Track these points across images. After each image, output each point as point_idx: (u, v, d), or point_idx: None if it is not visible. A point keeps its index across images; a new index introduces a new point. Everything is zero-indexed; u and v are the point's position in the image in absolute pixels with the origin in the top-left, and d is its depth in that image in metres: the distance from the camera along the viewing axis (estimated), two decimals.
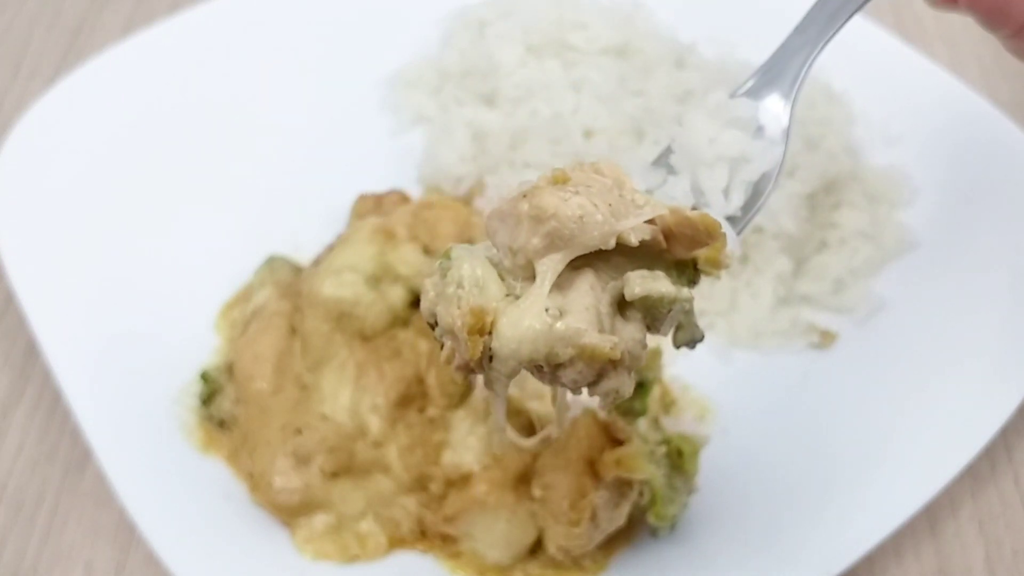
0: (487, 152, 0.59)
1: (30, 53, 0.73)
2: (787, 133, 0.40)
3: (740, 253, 0.53)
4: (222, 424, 0.49)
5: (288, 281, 0.53)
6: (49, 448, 0.52)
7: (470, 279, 0.31)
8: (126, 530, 0.48)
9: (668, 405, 0.50)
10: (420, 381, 0.48)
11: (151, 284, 0.54)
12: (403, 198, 0.58)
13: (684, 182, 0.37)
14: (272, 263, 0.54)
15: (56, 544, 0.48)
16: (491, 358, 0.31)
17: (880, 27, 0.67)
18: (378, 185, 0.58)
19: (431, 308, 0.32)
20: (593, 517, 0.41)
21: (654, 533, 0.44)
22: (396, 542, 0.46)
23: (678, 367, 0.51)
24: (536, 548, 0.45)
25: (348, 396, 0.47)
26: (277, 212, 0.59)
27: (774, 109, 0.39)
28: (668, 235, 0.32)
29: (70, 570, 0.47)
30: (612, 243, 0.30)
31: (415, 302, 0.51)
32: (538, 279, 0.30)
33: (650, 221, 0.31)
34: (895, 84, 0.64)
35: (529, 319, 0.30)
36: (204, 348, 0.52)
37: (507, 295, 0.31)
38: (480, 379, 0.33)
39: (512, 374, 0.31)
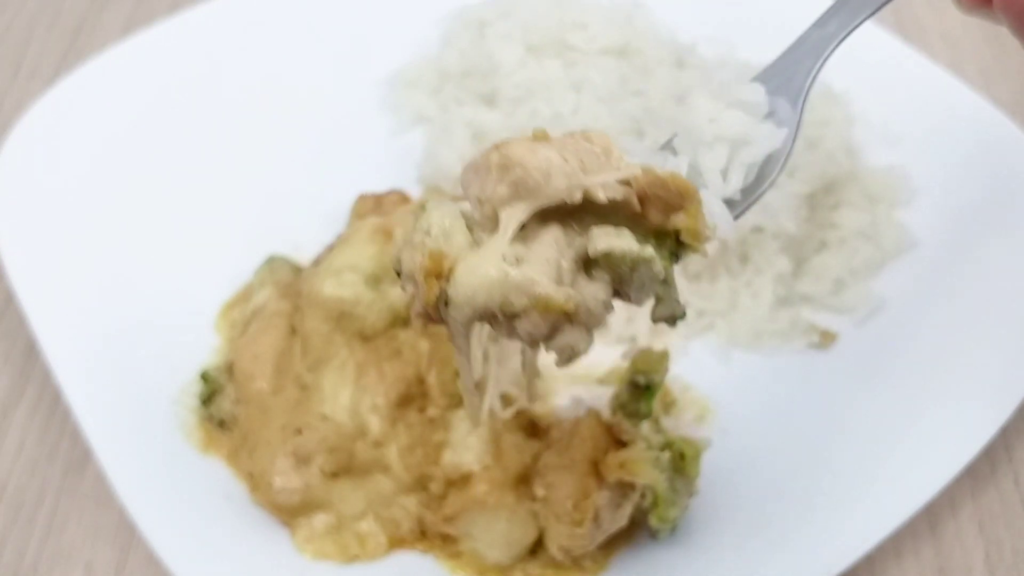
0: None
1: (30, 53, 0.73)
2: (798, 121, 0.39)
3: (736, 238, 0.53)
4: (222, 424, 0.49)
5: (288, 281, 0.53)
6: (49, 448, 0.52)
7: (438, 227, 0.30)
8: (126, 530, 0.48)
9: (668, 405, 0.50)
10: (420, 381, 0.48)
11: (151, 284, 0.54)
12: (403, 198, 0.58)
13: (683, 163, 0.37)
14: (272, 263, 0.54)
15: (56, 544, 0.48)
16: (447, 303, 0.30)
17: (880, 27, 0.67)
18: (378, 185, 0.58)
19: (398, 254, 0.32)
20: (595, 518, 0.41)
21: (654, 535, 0.44)
22: (396, 542, 0.46)
23: (678, 367, 0.51)
24: (536, 548, 0.45)
25: (348, 396, 0.47)
26: (277, 212, 0.59)
27: (785, 97, 0.39)
28: (643, 199, 0.31)
29: (70, 570, 0.47)
30: (578, 196, 0.30)
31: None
32: (500, 227, 0.30)
33: (624, 183, 0.30)
34: (895, 84, 0.64)
35: (486, 266, 0.29)
36: (204, 348, 0.52)
37: (472, 245, 0.30)
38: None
39: (469, 322, 0.30)
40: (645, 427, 0.43)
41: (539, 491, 0.42)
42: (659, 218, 0.32)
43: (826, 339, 0.54)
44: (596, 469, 0.42)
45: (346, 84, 0.65)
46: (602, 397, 0.46)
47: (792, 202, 0.55)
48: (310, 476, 0.45)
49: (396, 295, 0.50)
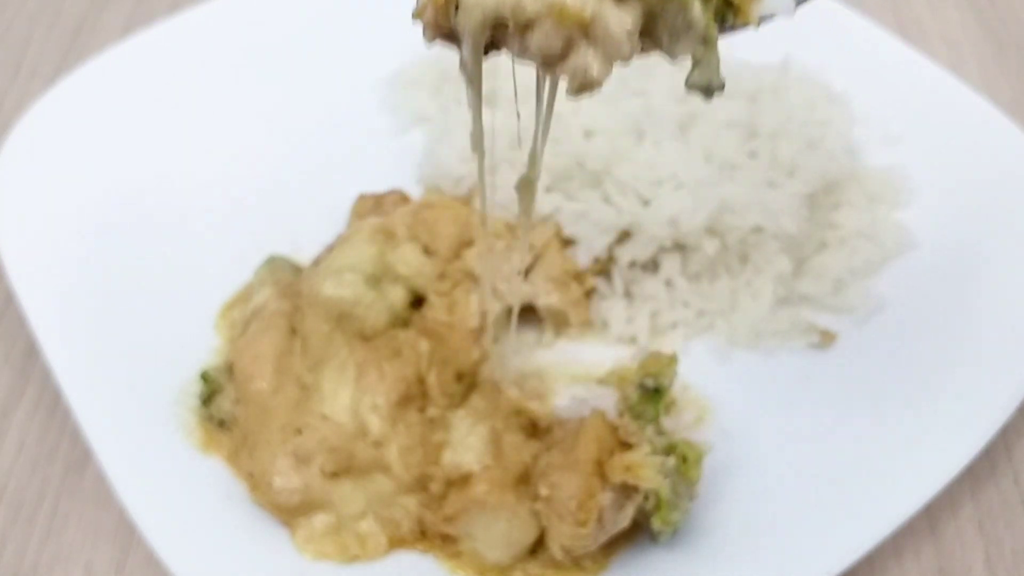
0: (487, 152, 0.59)
1: (30, 53, 0.73)
2: None
3: (736, 238, 0.52)
4: (222, 424, 0.49)
5: (288, 281, 0.53)
6: (49, 448, 0.52)
7: None
8: (126, 530, 0.48)
9: (668, 405, 0.50)
10: (420, 381, 0.48)
11: (151, 284, 0.54)
12: (403, 198, 0.58)
13: None
14: (272, 263, 0.54)
15: (56, 544, 0.48)
16: (457, 7, 0.28)
17: (880, 27, 0.67)
18: (378, 185, 0.58)
19: None
20: (599, 518, 0.41)
21: (655, 538, 0.44)
22: (396, 542, 0.46)
23: (677, 367, 0.51)
24: (536, 548, 0.45)
25: (348, 396, 0.47)
26: (277, 212, 0.59)
27: None
28: None
29: (70, 570, 0.47)
30: None
31: (415, 302, 0.51)
32: None
33: None
34: (895, 84, 0.64)
35: None
36: (204, 348, 0.52)
37: None
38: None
39: (479, 30, 0.28)
40: (648, 429, 0.43)
41: (543, 490, 0.42)
42: None
43: (826, 339, 0.54)
44: (601, 470, 0.42)
45: (346, 84, 0.65)
46: (603, 397, 0.46)
47: (792, 202, 0.55)
48: (310, 476, 0.45)
49: (396, 295, 0.50)
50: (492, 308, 0.50)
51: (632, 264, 0.55)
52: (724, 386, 0.52)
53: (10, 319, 0.57)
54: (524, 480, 0.45)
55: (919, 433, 0.48)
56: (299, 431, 0.46)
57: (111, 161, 0.59)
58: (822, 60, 0.64)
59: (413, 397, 0.48)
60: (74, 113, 0.60)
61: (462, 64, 0.29)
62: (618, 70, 0.61)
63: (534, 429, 0.47)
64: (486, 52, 0.31)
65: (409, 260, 0.50)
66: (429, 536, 0.46)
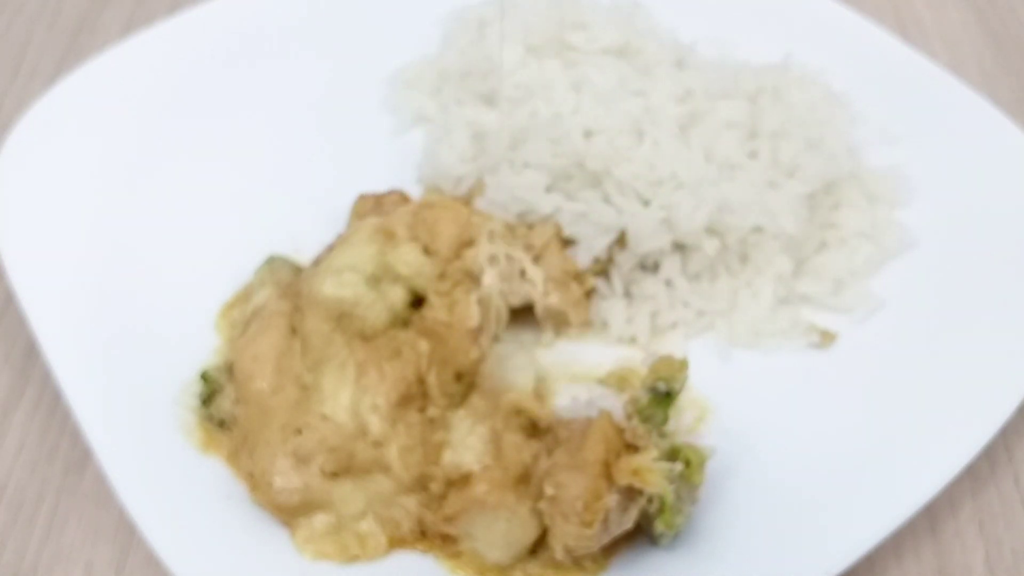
0: (487, 152, 0.59)
1: (30, 53, 0.73)
2: None
3: (736, 238, 0.53)
4: (222, 424, 0.49)
5: (288, 281, 0.53)
6: (49, 448, 0.52)
7: None
8: (126, 530, 0.48)
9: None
10: (420, 381, 0.48)
11: (151, 284, 0.54)
12: (403, 198, 0.58)
13: None
14: (272, 263, 0.54)
15: (56, 544, 0.48)
16: None
17: (880, 28, 0.67)
18: (378, 185, 0.58)
19: None
20: (604, 520, 0.41)
21: (655, 541, 0.44)
22: (396, 542, 0.46)
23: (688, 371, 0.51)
24: (536, 548, 0.45)
25: (348, 396, 0.47)
26: (277, 212, 0.59)
27: None
28: None
29: (70, 570, 0.47)
30: None
31: (415, 302, 0.51)
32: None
33: None
34: (895, 84, 0.64)
35: None
36: (204, 348, 0.52)
37: None
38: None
39: None
40: (653, 432, 0.43)
41: (548, 490, 0.42)
42: None
43: (826, 339, 0.54)
44: (607, 471, 0.42)
45: (346, 84, 0.65)
46: (605, 397, 0.46)
47: (792, 202, 0.55)
48: (310, 476, 0.45)
49: (396, 295, 0.50)
50: (493, 308, 0.50)
51: (632, 264, 0.55)
52: (724, 386, 0.52)
53: (10, 319, 0.57)
54: (524, 480, 0.45)
55: (919, 433, 0.48)
56: (299, 431, 0.46)
57: (111, 161, 0.59)
58: (822, 60, 0.64)
59: (413, 397, 0.48)
60: (74, 113, 0.60)
61: None
62: (618, 70, 0.62)
63: (534, 429, 0.47)
64: None
65: (409, 260, 0.50)
66: (429, 536, 0.46)
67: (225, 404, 0.49)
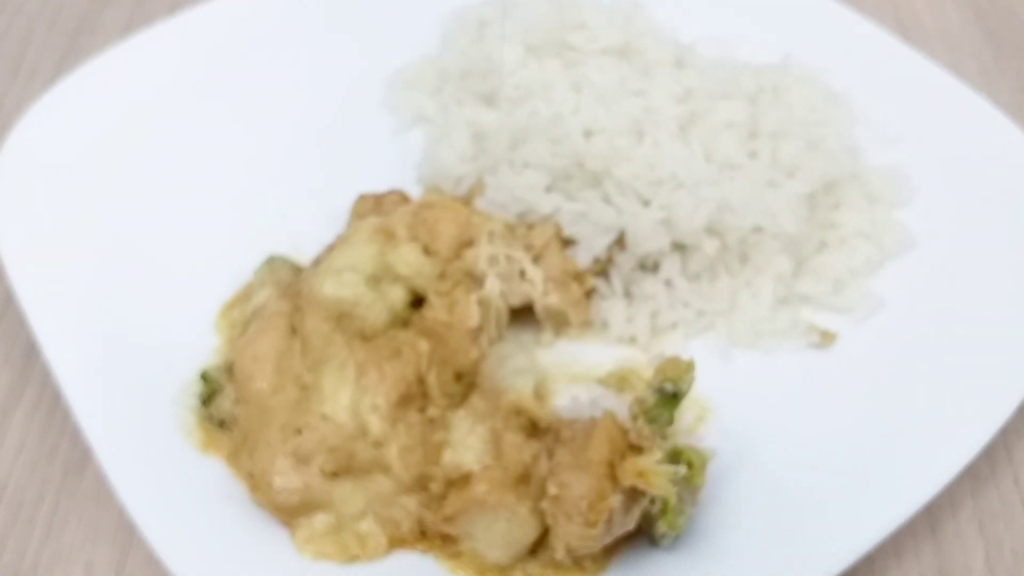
0: (487, 152, 0.59)
1: (30, 53, 0.73)
2: None
3: (736, 238, 0.53)
4: (222, 424, 0.49)
5: (288, 281, 0.53)
6: (49, 448, 0.52)
7: None
8: (126, 530, 0.48)
9: None
10: (420, 381, 0.48)
11: (151, 284, 0.54)
12: (403, 198, 0.58)
13: None
14: (272, 263, 0.54)
15: (56, 544, 0.48)
16: None
17: (880, 28, 0.67)
18: (378, 185, 0.58)
19: None
20: (608, 520, 0.41)
21: (656, 542, 0.44)
22: (396, 542, 0.46)
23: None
24: (536, 548, 0.45)
25: (348, 396, 0.47)
26: (277, 212, 0.59)
27: None
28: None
29: (70, 570, 0.47)
30: None
31: (415, 302, 0.51)
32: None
33: None
34: (895, 84, 0.64)
35: None
36: (204, 348, 0.52)
37: None
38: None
39: None
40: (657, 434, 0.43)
41: (552, 489, 0.41)
42: None
43: (826, 339, 0.54)
44: (612, 472, 0.41)
45: (346, 84, 0.66)
46: (605, 398, 0.46)
47: (792, 202, 0.55)
48: (310, 476, 0.45)
49: (396, 295, 0.50)
50: (493, 308, 0.50)
51: (632, 264, 0.55)
52: (724, 386, 0.52)
53: (10, 319, 0.57)
54: (524, 480, 0.45)
55: (919, 433, 0.48)
56: (299, 431, 0.46)
57: (111, 161, 0.59)
58: (822, 60, 0.64)
59: (413, 397, 0.48)
60: (74, 113, 0.60)
61: None
62: (618, 70, 0.62)
63: (534, 429, 0.47)
64: None
65: (409, 260, 0.50)
66: (429, 536, 0.46)
67: (225, 404, 0.49)
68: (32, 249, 0.53)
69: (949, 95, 0.62)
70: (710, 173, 0.54)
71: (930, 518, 0.49)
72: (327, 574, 0.44)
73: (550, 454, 0.46)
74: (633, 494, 0.42)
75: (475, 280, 0.52)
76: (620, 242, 0.55)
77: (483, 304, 0.49)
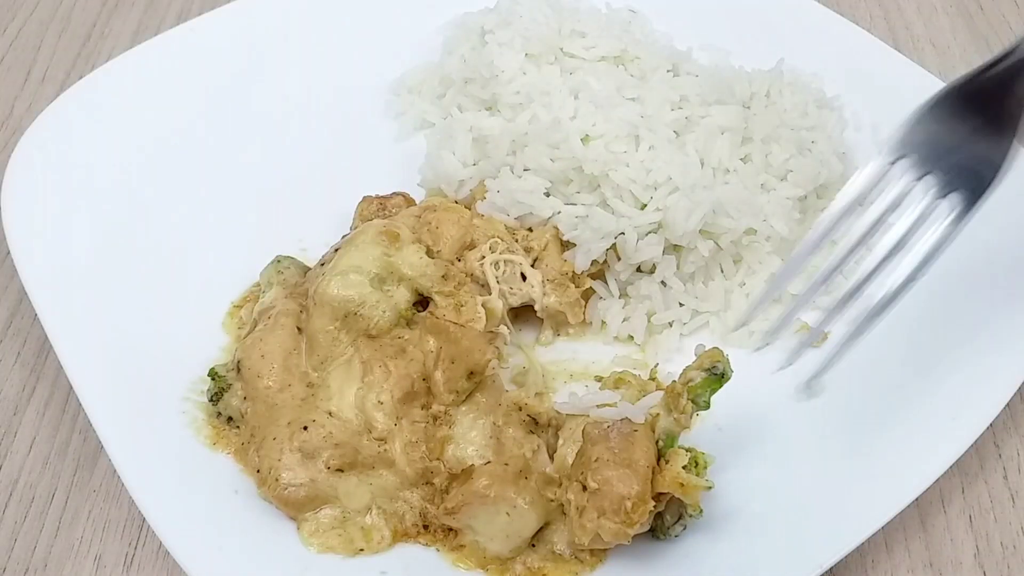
0: (488, 157, 0.60)
1: (40, 59, 0.75)
2: None
3: (729, 240, 0.54)
4: (230, 421, 0.50)
5: (295, 281, 0.54)
6: (60, 444, 0.53)
7: None
8: (135, 525, 0.49)
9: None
10: (424, 378, 0.49)
11: (161, 284, 0.55)
12: (407, 201, 0.59)
13: None
14: (279, 263, 0.56)
15: (67, 538, 0.49)
16: None
17: (871, 34, 0.69)
18: (382, 188, 0.59)
19: None
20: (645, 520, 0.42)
21: (659, 535, 0.46)
22: (400, 535, 0.47)
23: (672, 365, 0.52)
24: (536, 541, 0.46)
25: (354, 393, 0.48)
26: (284, 214, 0.60)
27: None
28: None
29: (80, 564, 0.48)
30: None
31: (419, 302, 0.52)
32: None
33: None
34: (886, 90, 0.65)
35: None
36: (213, 346, 0.54)
37: None
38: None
39: None
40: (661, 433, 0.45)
41: (592, 484, 0.42)
42: None
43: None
44: (652, 475, 0.43)
45: (351, 91, 0.67)
46: (603, 395, 0.47)
47: (784, 205, 0.57)
48: (316, 471, 0.46)
49: (400, 296, 0.51)
50: (503, 314, 0.51)
51: (629, 268, 0.56)
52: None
53: (22, 318, 0.58)
54: (524, 474, 0.46)
55: (909, 429, 0.49)
56: (305, 427, 0.47)
57: (121, 164, 0.60)
58: (814, 66, 0.65)
59: (417, 394, 0.49)
60: (84, 118, 0.62)
61: None
62: (615, 77, 0.63)
63: (534, 424, 0.48)
64: None
65: (413, 261, 0.51)
66: (432, 529, 0.47)
67: (233, 401, 0.50)
68: (44, 249, 0.55)
69: None
70: (704, 177, 0.56)
71: (920, 512, 0.50)
72: (333, 567, 0.45)
73: (550, 448, 0.47)
74: (660, 497, 0.43)
75: (477, 281, 0.53)
76: (616, 249, 0.56)
77: (491, 313, 0.51)
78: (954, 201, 0.36)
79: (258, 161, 0.63)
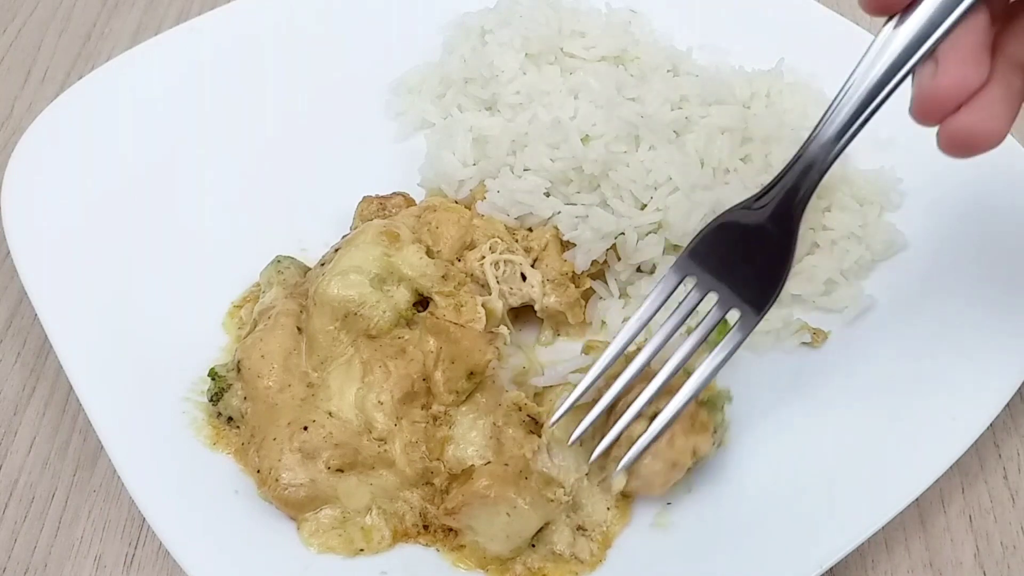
0: (488, 156, 0.60)
1: (40, 59, 0.75)
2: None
3: None
4: (230, 421, 0.50)
5: (295, 281, 0.54)
6: (60, 444, 0.53)
7: None
8: (135, 525, 0.49)
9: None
10: (424, 378, 0.49)
11: (161, 283, 0.55)
12: (406, 201, 0.59)
13: None
14: (279, 263, 0.56)
15: (67, 538, 0.49)
16: None
17: (871, 34, 0.69)
18: (382, 188, 0.59)
19: None
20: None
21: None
22: (400, 535, 0.47)
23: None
24: (536, 541, 0.46)
25: (354, 393, 0.48)
26: (284, 214, 0.60)
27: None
28: None
29: (80, 564, 0.48)
30: None
31: (419, 303, 0.52)
32: None
33: None
34: None
35: None
36: (213, 346, 0.54)
37: None
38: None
39: None
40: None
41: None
42: None
43: (818, 338, 0.55)
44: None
45: (351, 90, 0.67)
46: (578, 361, 0.49)
47: None
48: (316, 471, 0.46)
49: (400, 296, 0.51)
50: (503, 315, 0.52)
51: (628, 269, 0.56)
52: (718, 383, 0.53)
53: (22, 318, 0.58)
54: (524, 474, 0.46)
55: (909, 429, 0.49)
56: (305, 427, 0.47)
57: (121, 164, 0.60)
58: (814, 66, 0.65)
59: (417, 394, 0.49)
60: (84, 117, 0.62)
61: None
62: (615, 77, 0.63)
63: (534, 424, 0.48)
64: None
65: (413, 261, 0.51)
66: (432, 529, 0.47)
67: (233, 401, 0.50)
68: (44, 249, 0.55)
69: None
70: (704, 177, 0.56)
71: (920, 512, 0.50)
72: (333, 567, 0.45)
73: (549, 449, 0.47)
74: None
75: (477, 282, 0.53)
76: (616, 249, 0.56)
77: (489, 309, 0.51)
78: (736, 315, 0.40)
79: (258, 161, 0.63)
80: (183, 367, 0.52)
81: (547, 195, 0.58)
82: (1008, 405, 0.49)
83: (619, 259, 0.56)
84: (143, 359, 0.51)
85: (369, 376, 0.48)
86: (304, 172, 0.63)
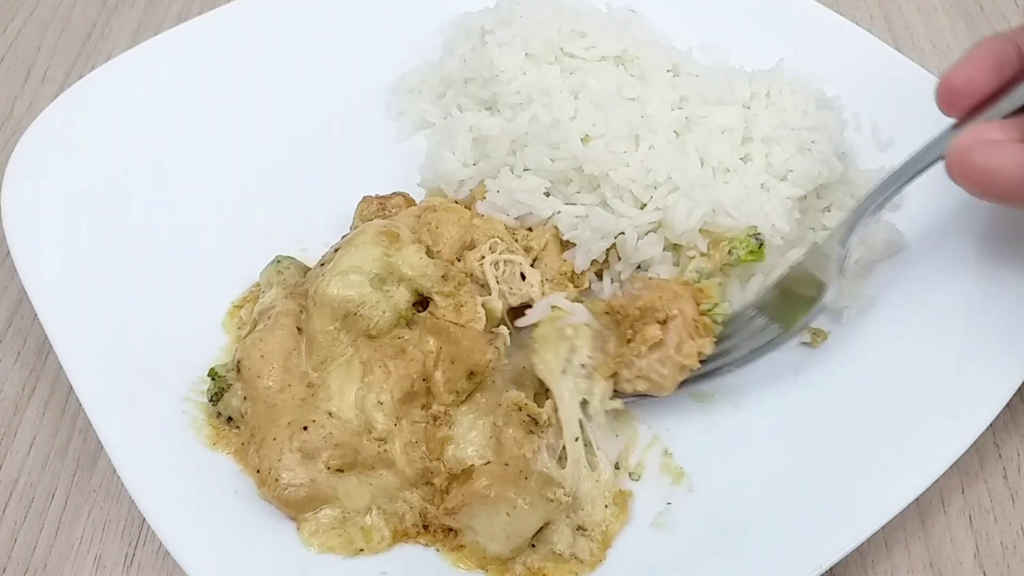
0: (488, 156, 0.60)
1: (40, 59, 0.75)
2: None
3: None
4: (230, 421, 0.50)
5: (295, 281, 0.55)
6: (60, 444, 0.53)
7: None
8: (135, 525, 0.49)
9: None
10: (424, 379, 0.49)
11: (161, 284, 0.55)
12: (406, 201, 0.59)
13: None
14: (279, 264, 0.56)
15: (67, 538, 0.49)
16: None
17: (871, 34, 0.69)
18: (382, 188, 0.60)
19: None
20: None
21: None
22: (400, 535, 0.47)
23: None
24: (536, 541, 0.46)
25: (354, 393, 0.48)
26: (284, 214, 0.60)
27: None
28: None
29: (80, 564, 0.48)
30: None
31: (419, 303, 0.52)
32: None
33: None
34: (886, 90, 0.65)
35: None
36: (213, 346, 0.54)
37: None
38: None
39: None
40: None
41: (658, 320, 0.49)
42: None
43: (818, 337, 0.55)
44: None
45: (351, 90, 0.67)
46: (553, 298, 0.51)
47: (784, 205, 0.57)
48: (316, 471, 0.46)
49: (400, 296, 0.51)
50: (503, 315, 0.52)
51: (628, 269, 0.56)
52: (717, 382, 0.53)
53: (22, 318, 0.58)
54: (524, 474, 0.46)
55: (909, 428, 0.49)
56: (305, 427, 0.47)
57: (121, 164, 0.61)
58: (814, 66, 0.65)
59: (417, 394, 0.49)
60: (84, 118, 0.62)
61: None
62: (615, 77, 0.63)
63: (534, 424, 0.48)
64: None
65: (413, 262, 0.52)
66: (432, 529, 0.47)
67: (233, 401, 0.50)
68: (43, 249, 0.55)
69: None
70: (704, 177, 0.56)
71: (920, 512, 0.50)
72: (333, 567, 0.45)
73: (550, 449, 0.47)
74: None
75: (477, 282, 0.53)
76: (616, 249, 0.56)
77: (489, 309, 0.51)
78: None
79: (258, 161, 0.63)
80: (183, 367, 0.52)
81: (547, 195, 0.58)
82: (1008, 405, 0.49)
83: (619, 258, 0.56)
84: (143, 359, 0.51)
85: (369, 376, 0.48)
86: (304, 172, 0.63)
